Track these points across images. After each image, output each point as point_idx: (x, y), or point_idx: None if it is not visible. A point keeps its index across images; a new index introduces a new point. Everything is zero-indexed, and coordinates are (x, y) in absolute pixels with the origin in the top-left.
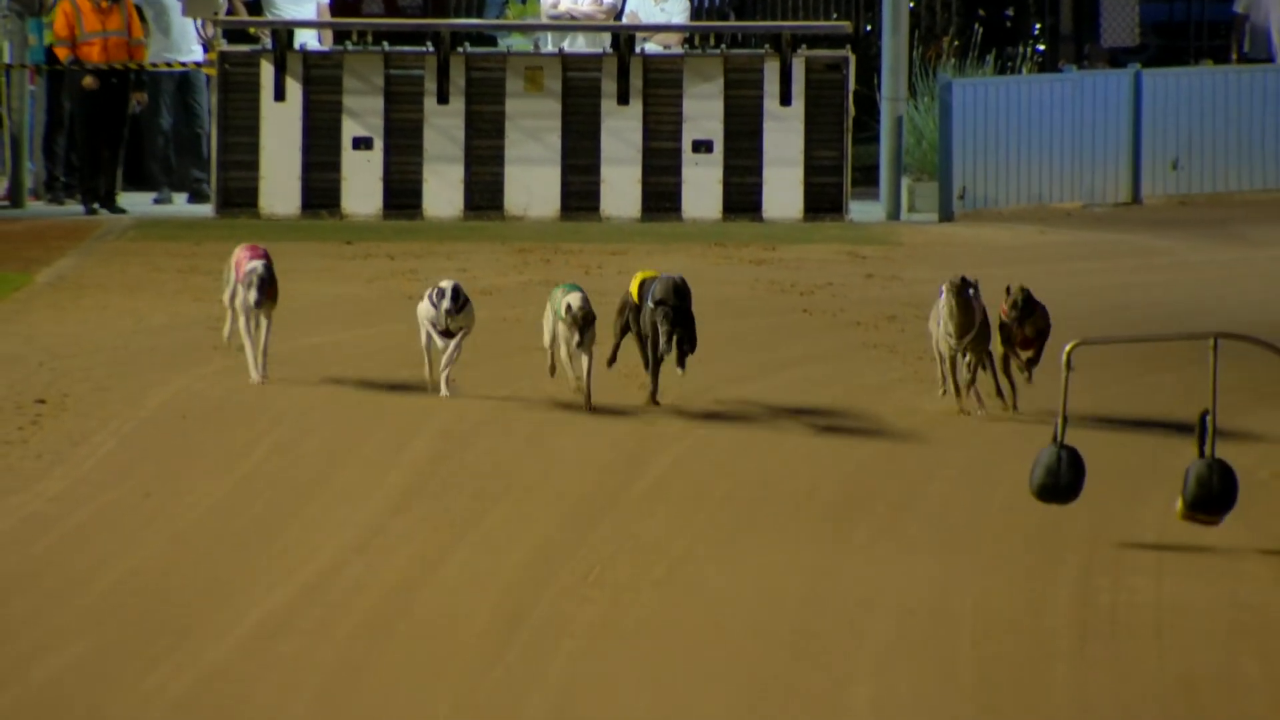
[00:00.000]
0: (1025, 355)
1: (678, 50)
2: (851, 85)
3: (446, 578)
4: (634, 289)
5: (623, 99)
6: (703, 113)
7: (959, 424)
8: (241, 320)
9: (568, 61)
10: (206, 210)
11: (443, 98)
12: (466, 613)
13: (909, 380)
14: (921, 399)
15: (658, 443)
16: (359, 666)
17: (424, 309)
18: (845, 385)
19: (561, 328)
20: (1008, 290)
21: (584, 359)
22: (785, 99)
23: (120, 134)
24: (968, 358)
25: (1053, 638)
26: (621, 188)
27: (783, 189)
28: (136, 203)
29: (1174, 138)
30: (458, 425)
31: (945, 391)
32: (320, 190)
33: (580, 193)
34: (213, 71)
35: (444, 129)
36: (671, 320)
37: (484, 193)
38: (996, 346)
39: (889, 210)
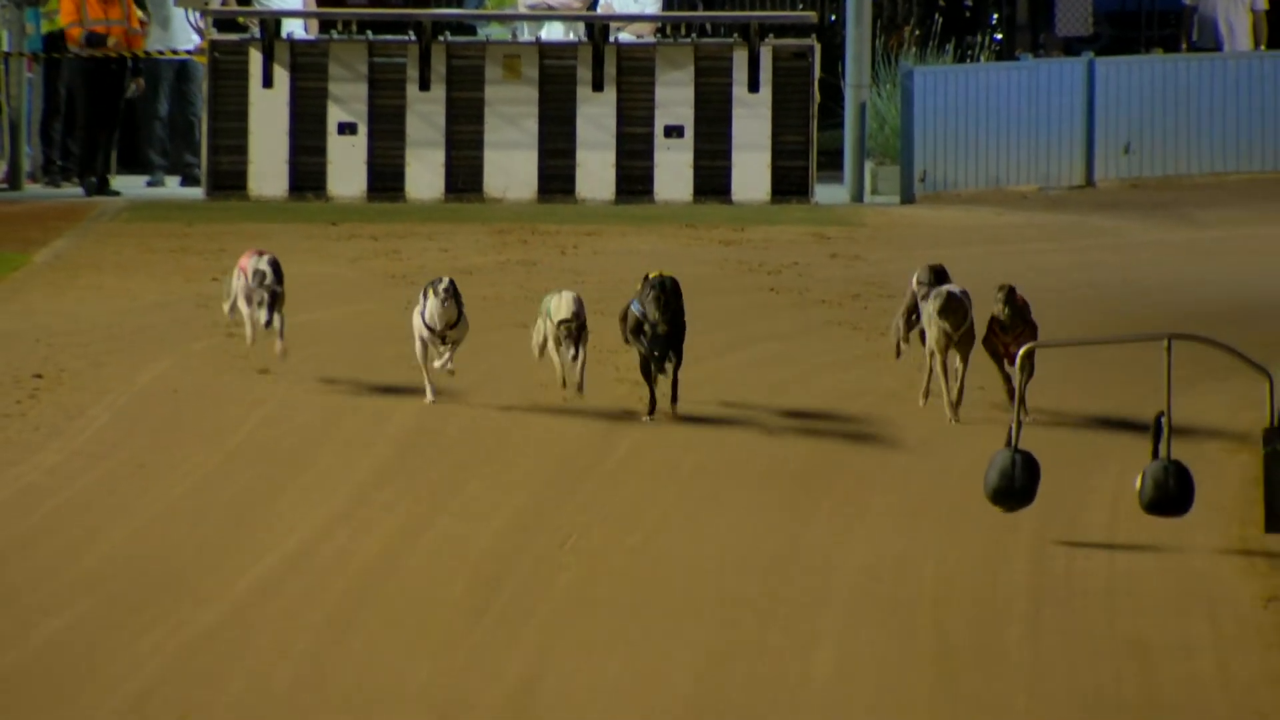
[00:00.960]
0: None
1: (650, 39)
2: (817, 73)
3: (427, 546)
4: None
5: (597, 86)
6: (674, 99)
7: (917, 394)
8: (248, 328)
9: (544, 50)
10: (198, 193)
11: (424, 85)
12: (446, 579)
13: (872, 356)
14: (884, 375)
15: (629, 418)
16: (343, 630)
17: (418, 321)
18: (810, 362)
19: (551, 330)
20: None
21: (578, 367)
22: (753, 86)
23: (116, 119)
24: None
25: (1008, 603)
26: (596, 171)
27: (751, 172)
28: (130, 186)
29: (1126, 123)
30: (440, 399)
31: (926, 401)
32: (307, 173)
33: (557, 176)
34: (204, 60)
35: (426, 115)
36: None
37: (464, 176)
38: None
39: (853, 193)
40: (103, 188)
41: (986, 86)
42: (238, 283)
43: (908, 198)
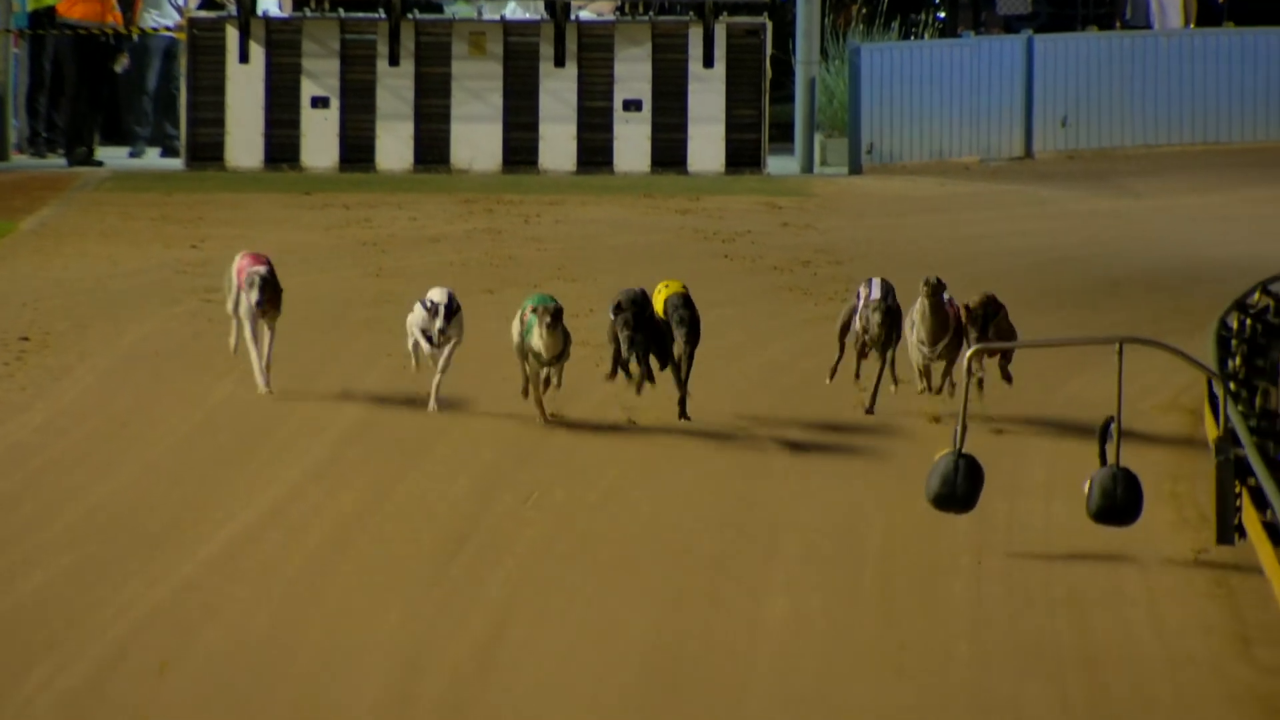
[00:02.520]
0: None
1: (610, 17)
2: (768, 49)
3: (396, 503)
4: (658, 304)
5: (559, 62)
6: (632, 74)
7: (871, 357)
8: (246, 328)
9: (508, 28)
10: (177, 164)
11: (394, 60)
12: (415, 533)
13: (822, 320)
14: (830, 336)
15: (591, 380)
16: (317, 582)
17: (413, 318)
18: (763, 325)
19: (534, 342)
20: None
21: (557, 380)
22: (708, 62)
23: (102, 93)
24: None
25: (951, 557)
26: (558, 143)
27: (706, 144)
28: (112, 156)
29: (1063, 98)
30: (409, 362)
31: (924, 390)
32: (282, 145)
33: (520, 148)
34: (184, 36)
35: (395, 89)
36: (631, 328)
37: (432, 148)
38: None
39: (803, 164)
40: (87, 159)
41: (930, 63)
42: (235, 281)
43: (855, 169)
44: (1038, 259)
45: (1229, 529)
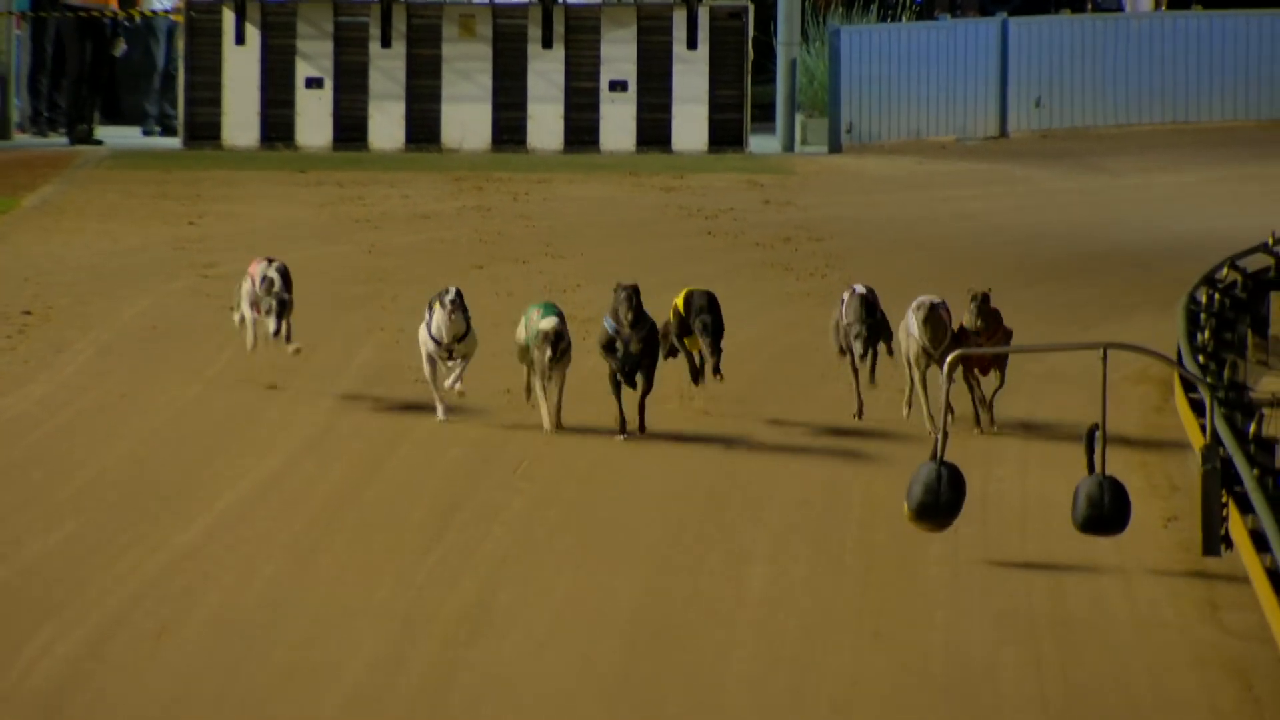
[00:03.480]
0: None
1: (596, 0)
2: (751, 32)
3: (390, 472)
4: (680, 304)
5: (547, 44)
6: (618, 56)
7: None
8: (249, 334)
9: (497, 10)
10: (175, 143)
11: (386, 42)
12: (408, 502)
13: (802, 295)
14: (815, 311)
15: (578, 354)
16: (312, 549)
17: (424, 334)
18: (744, 300)
19: (534, 351)
20: (972, 298)
21: (556, 388)
22: (692, 44)
23: (103, 74)
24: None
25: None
26: (546, 123)
27: (689, 124)
28: (119, 135)
29: (1037, 79)
30: (400, 336)
31: (910, 413)
32: (277, 124)
33: (509, 127)
34: (181, 19)
35: (387, 70)
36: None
37: (423, 127)
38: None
39: (784, 143)
40: (88, 137)
41: (908, 45)
42: (245, 288)
43: (835, 148)
44: (1012, 235)
45: (1215, 539)
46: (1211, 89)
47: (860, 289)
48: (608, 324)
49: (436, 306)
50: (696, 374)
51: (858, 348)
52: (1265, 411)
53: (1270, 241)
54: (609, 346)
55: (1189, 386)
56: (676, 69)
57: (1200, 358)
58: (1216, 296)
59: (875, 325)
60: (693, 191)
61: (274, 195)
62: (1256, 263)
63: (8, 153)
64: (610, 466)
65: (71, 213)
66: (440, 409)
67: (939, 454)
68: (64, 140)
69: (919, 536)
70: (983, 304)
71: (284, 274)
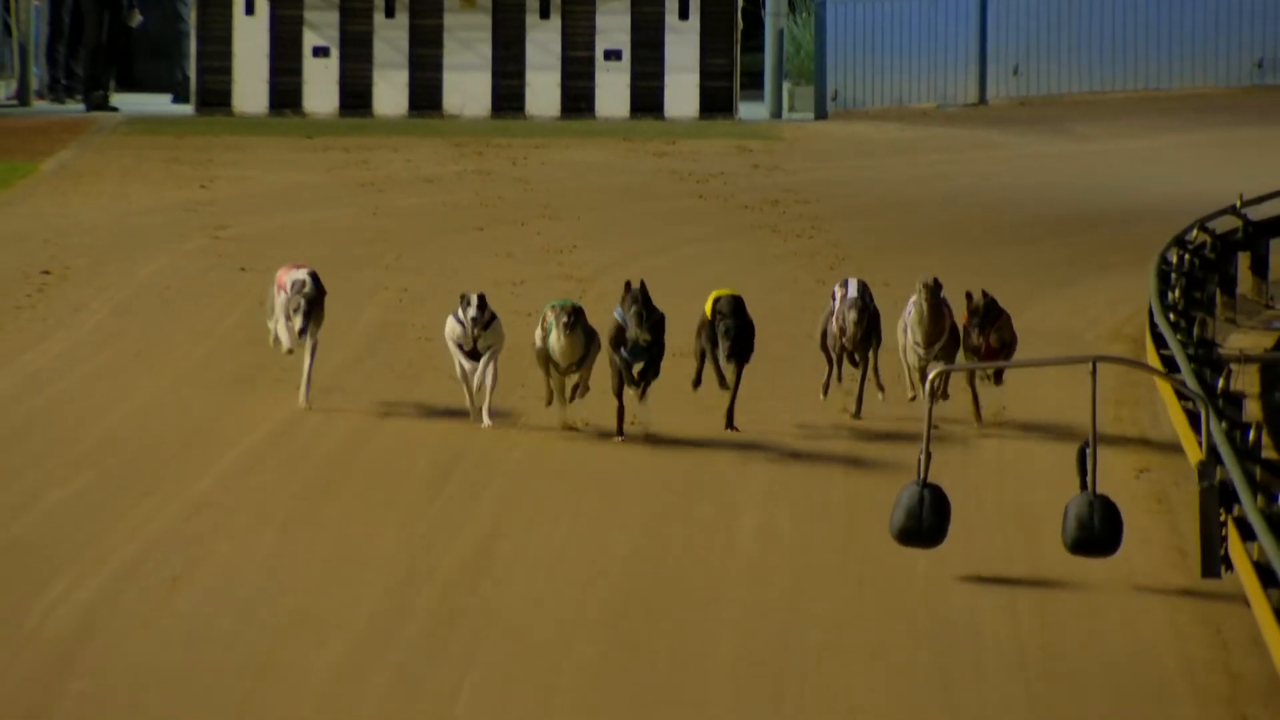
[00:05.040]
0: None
1: None
2: (740, 3)
3: (393, 425)
4: (709, 309)
5: (544, 14)
6: (613, 26)
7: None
8: (285, 338)
9: None
10: (187, 109)
11: (390, 12)
12: (410, 455)
13: (789, 255)
14: (801, 272)
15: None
16: (319, 500)
17: (450, 328)
18: (735, 261)
19: (554, 345)
20: (969, 297)
21: (583, 386)
22: (683, 14)
23: (119, 43)
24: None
25: (910, 475)
26: (543, 90)
27: (681, 91)
28: (128, 103)
29: (1015, 47)
30: (404, 296)
31: (915, 396)
32: (285, 92)
33: (508, 94)
34: None
35: (391, 40)
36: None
37: (425, 94)
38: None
39: (772, 110)
40: (103, 104)
41: (891, 15)
42: (278, 298)
43: (821, 114)
44: (990, 198)
45: (1214, 559)
46: (1182, 58)
47: (853, 291)
48: (618, 314)
49: (461, 311)
50: (723, 379)
51: (856, 333)
52: (1233, 367)
53: (1238, 204)
54: (617, 341)
55: (1160, 343)
56: (669, 39)
57: (1171, 315)
58: (1186, 257)
59: (867, 320)
60: (684, 156)
61: (282, 160)
62: (1225, 224)
63: (27, 119)
64: (604, 423)
65: (88, 177)
66: (483, 415)
67: (922, 476)
68: (81, 107)
69: (898, 487)
70: (988, 307)
71: (315, 277)
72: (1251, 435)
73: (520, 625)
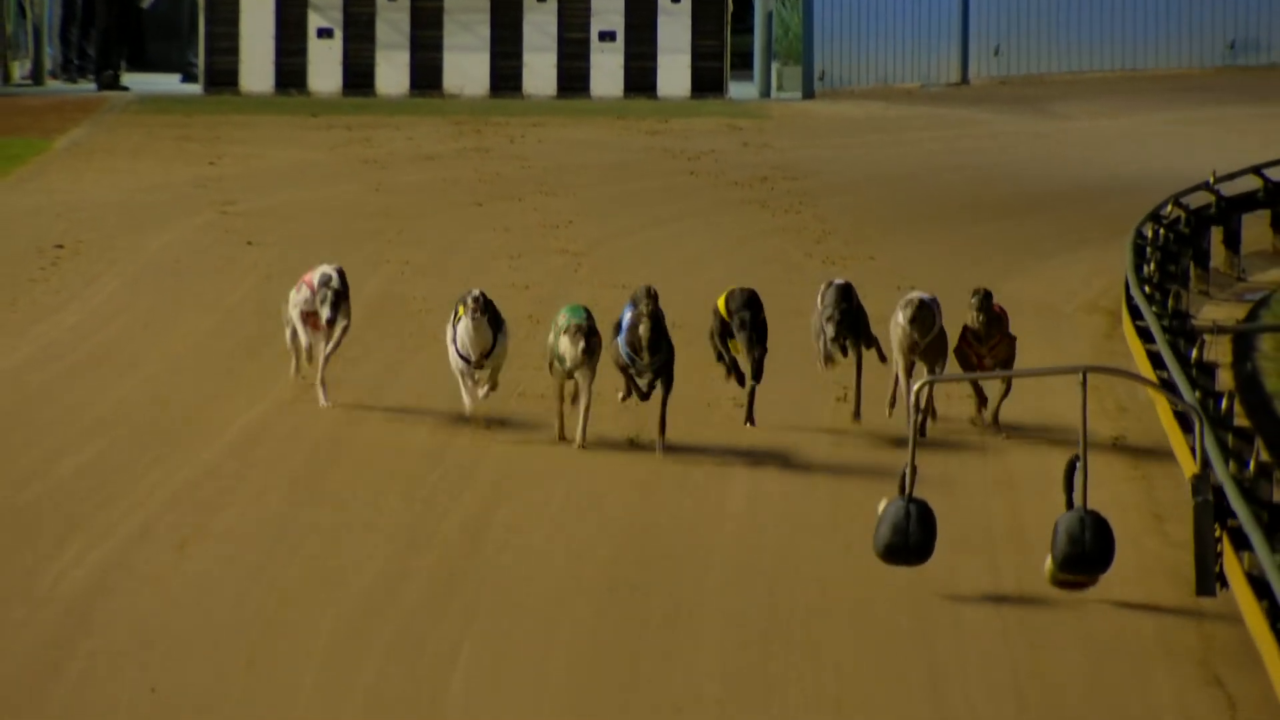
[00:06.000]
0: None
1: None
2: None
3: (395, 395)
4: (722, 305)
5: None
6: (607, 8)
7: (816, 263)
8: (301, 340)
9: None
10: (196, 89)
11: None
12: (412, 424)
13: (778, 230)
14: (787, 246)
15: (566, 284)
16: (323, 468)
17: (452, 340)
18: (725, 235)
19: (565, 348)
20: (974, 293)
21: (584, 393)
22: None
23: (129, 25)
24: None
25: (895, 443)
26: (540, 70)
27: (673, 72)
28: (139, 82)
29: (996, 28)
30: (406, 268)
31: (893, 411)
32: (290, 72)
33: (506, 74)
34: None
35: (393, 21)
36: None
37: (426, 74)
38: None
39: (761, 89)
40: (114, 83)
41: None
42: (297, 295)
43: (808, 94)
44: (972, 174)
45: (1210, 577)
46: (1158, 38)
47: (840, 281)
48: (627, 314)
49: (461, 312)
50: (741, 378)
51: (829, 330)
52: (1206, 338)
53: (1211, 180)
54: (622, 349)
55: (1136, 315)
56: (661, 20)
57: (1146, 288)
58: (1161, 231)
59: (851, 315)
60: (676, 134)
61: (288, 138)
62: (1199, 200)
63: (41, 98)
64: (601, 393)
65: (100, 154)
66: (473, 419)
67: (907, 490)
68: (93, 87)
69: (884, 457)
70: (984, 302)
71: (341, 273)
72: (1224, 404)
73: (518, 587)
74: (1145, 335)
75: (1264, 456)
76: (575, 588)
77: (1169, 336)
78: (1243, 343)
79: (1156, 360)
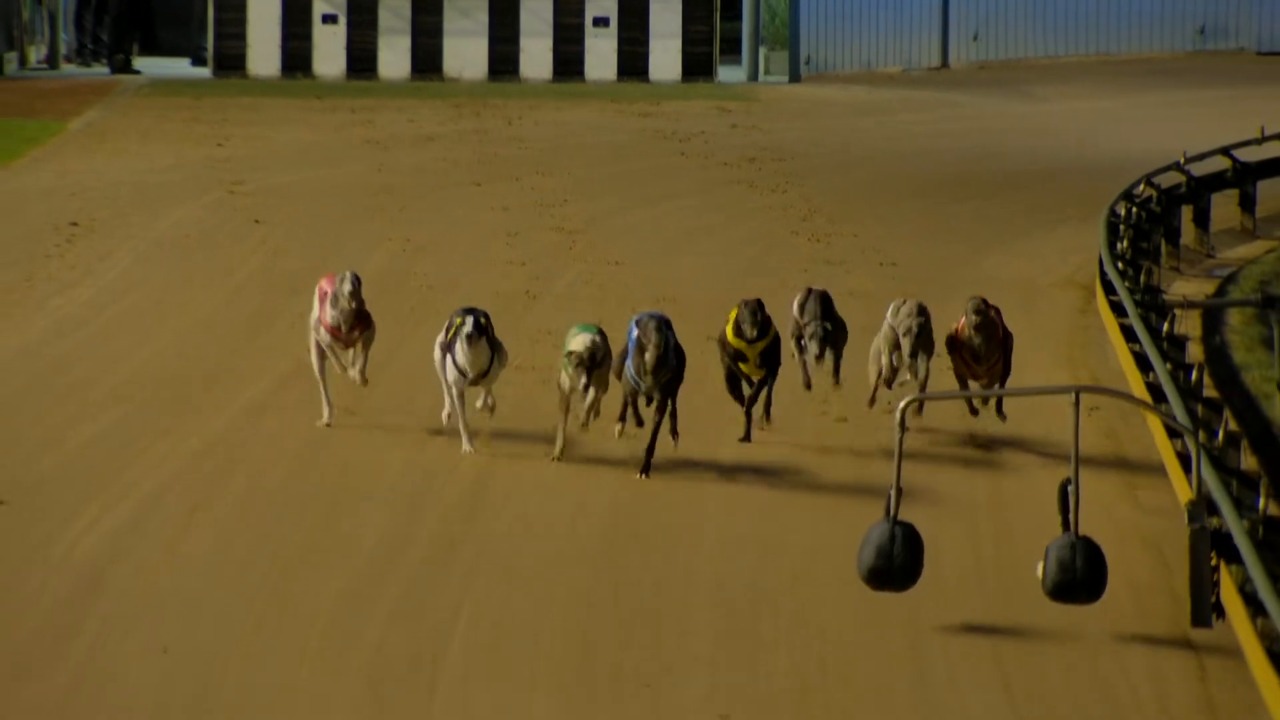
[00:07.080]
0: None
1: None
2: None
3: (397, 368)
4: (729, 329)
5: None
6: None
7: (803, 240)
8: (314, 358)
9: None
10: (205, 72)
11: None
12: (413, 396)
13: (765, 209)
14: (774, 225)
15: (561, 260)
16: (328, 436)
17: (444, 361)
18: (714, 214)
19: (565, 381)
20: (981, 310)
21: (590, 401)
22: None
23: (141, 10)
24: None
25: (881, 416)
26: (536, 55)
27: (665, 56)
28: (150, 66)
29: (975, 14)
30: (407, 246)
31: (874, 403)
32: (296, 56)
33: (503, 59)
34: None
35: (395, 7)
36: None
37: (426, 59)
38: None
39: (749, 73)
40: (126, 67)
41: None
42: (320, 309)
43: (795, 78)
44: (952, 155)
45: (1206, 607)
46: (1131, 24)
47: (818, 290)
48: (633, 332)
49: (458, 334)
50: (754, 398)
51: (813, 348)
52: (1177, 312)
53: (1182, 160)
54: (628, 363)
55: (1109, 290)
56: (653, 6)
57: (1119, 264)
58: (1134, 210)
59: (833, 326)
60: (667, 117)
61: (293, 120)
62: (1170, 180)
63: (56, 81)
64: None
65: (113, 135)
66: (466, 437)
67: (893, 512)
68: (106, 70)
69: (868, 425)
70: (983, 319)
71: (355, 281)
72: (1194, 375)
73: (514, 552)
74: (1118, 309)
75: (1232, 426)
76: (569, 553)
77: (1141, 311)
78: (1212, 317)
79: (1129, 333)
